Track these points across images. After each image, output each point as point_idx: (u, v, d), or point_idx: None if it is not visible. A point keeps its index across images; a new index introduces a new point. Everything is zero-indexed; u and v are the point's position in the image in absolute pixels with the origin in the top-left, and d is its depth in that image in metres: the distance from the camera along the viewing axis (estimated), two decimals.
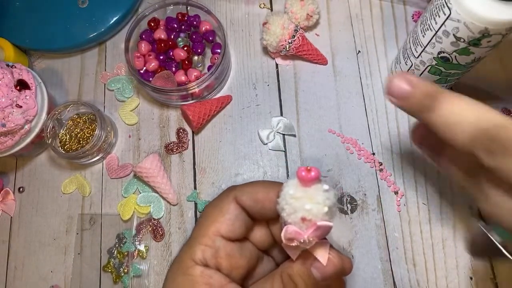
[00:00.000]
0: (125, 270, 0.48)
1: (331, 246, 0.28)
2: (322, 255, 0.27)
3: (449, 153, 0.32)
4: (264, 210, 0.30)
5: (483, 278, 0.45)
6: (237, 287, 0.29)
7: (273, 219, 0.31)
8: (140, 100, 0.54)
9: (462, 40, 0.38)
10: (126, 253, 0.48)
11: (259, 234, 0.32)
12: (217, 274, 0.29)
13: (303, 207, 0.25)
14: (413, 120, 0.50)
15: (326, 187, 0.26)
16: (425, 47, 0.43)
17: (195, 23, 0.53)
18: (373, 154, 0.50)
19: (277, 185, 0.29)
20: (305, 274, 0.28)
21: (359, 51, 0.54)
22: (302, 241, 0.26)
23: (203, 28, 0.53)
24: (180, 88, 0.49)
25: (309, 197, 0.25)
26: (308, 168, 0.25)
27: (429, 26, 0.41)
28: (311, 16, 0.53)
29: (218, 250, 0.29)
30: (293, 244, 0.26)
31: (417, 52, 0.44)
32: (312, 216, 0.25)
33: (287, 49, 0.51)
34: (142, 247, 0.48)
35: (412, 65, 0.46)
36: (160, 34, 0.52)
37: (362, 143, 0.50)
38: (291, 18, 0.52)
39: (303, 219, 0.25)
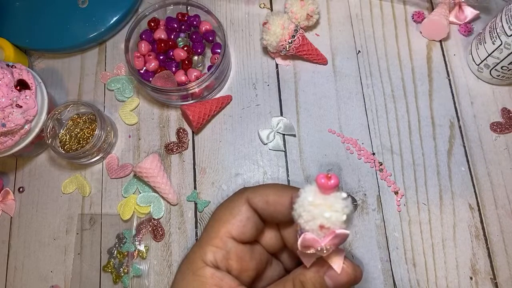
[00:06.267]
0: (125, 270, 0.48)
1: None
2: (337, 264, 0.27)
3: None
4: (276, 214, 0.29)
5: (483, 278, 0.45)
6: None
7: (284, 222, 0.31)
8: (140, 100, 0.54)
9: None
10: (126, 253, 0.48)
11: (269, 237, 0.32)
12: (228, 277, 0.29)
13: (322, 214, 0.25)
14: (413, 120, 0.51)
15: (344, 195, 0.25)
16: None
17: (195, 23, 0.53)
18: (373, 154, 0.50)
19: (290, 189, 0.29)
20: (318, 282, 0.27)
21: (359, 51, 0.54)
22: (319, 249, 0.25)
23: (203, 28, 0.53)
24: (180, 88, 0.49)
25: (328, 205, 0.25)
26: (329, 175, 0.25)
27: None
28: (311, 16, 0.53)
29: (229, 252, 0.29)
30: (309, 252, 0.26)
31: (510, 30, 0.44)
32: (331, 224, 0.25)
33: (287, 49, 0.51)
34: (142, 247, 0.48)
35: (501, 44, 0.46)
36: (160, 34, 0.52)
37: (362, 143, 0.50)
38: (291, 18, 0.52)
39: (321, 227, 0.25)
